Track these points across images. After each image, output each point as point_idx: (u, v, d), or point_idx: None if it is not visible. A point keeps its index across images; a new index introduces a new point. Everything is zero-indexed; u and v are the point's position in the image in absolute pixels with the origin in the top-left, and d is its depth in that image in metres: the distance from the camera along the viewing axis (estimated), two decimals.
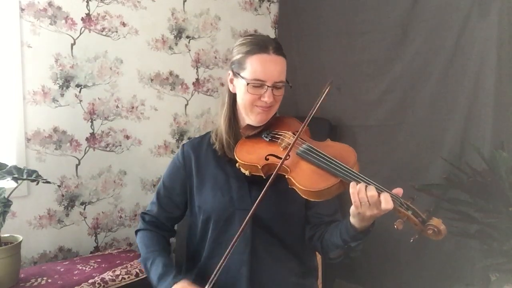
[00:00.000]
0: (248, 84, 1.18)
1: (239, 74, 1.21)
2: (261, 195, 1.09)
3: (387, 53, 2.47)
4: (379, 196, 0.98)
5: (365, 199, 0.99)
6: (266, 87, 1.18)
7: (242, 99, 1.23)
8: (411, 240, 1.01)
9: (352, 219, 1.09)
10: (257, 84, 1.18)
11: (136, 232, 1.39)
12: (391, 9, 2.44)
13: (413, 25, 2.36)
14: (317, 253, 1.40)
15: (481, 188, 1.84)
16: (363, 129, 2.60)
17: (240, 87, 1.22)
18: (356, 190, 1.00)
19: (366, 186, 1.00)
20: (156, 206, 1.36)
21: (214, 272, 1.08)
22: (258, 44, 1.20)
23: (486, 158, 1.95)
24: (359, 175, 1.04)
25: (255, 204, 1.09)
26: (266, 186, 1.10)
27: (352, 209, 1.04)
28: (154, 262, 1.26)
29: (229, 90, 1.28)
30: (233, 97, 1.28)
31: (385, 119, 2.50)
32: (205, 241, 1.28)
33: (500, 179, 1.83)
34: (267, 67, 1.18)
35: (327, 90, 1.19)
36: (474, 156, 1.99)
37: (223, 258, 1.08)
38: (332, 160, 1.09)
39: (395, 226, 0.98)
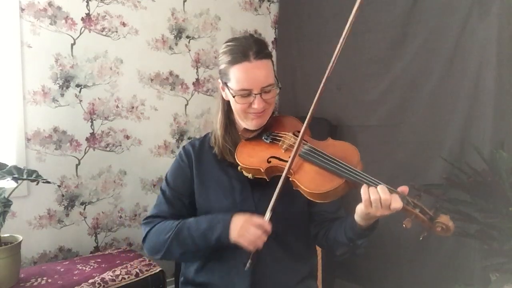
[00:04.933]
0: (234, 96, 1.18)
1: (226, 84, 1.21)
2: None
3: (387, 53, 2.47)
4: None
5: (378, 201, 0.98)
6: (254, 95, 1.16)
7: (234, 108, 1.23)
8: (420, 238, 1.01)
9: (357, 218, 1.08)
10: (244, 94, 1.17)
11: (144, 238, 1.27)
12: (391, 9, 2.44)
13: (413, 25, 2.36)
14: (316, 254, 1.40)
15: (481, 188, 1.84)
16: (363, 129, 2.60)
17: (230, 97, 1.22)
18: (368, 192, 1.00)
19: (377, 188, 1.00)
20: (164, 205, 1.29)
21: (273, 200, 1.10)
22: (238, 53, 1.16)
23: (486, 158, 1.94)
24: (363, 174, 1.04)
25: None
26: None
27: (361, 209, 1.03)
28: (191, 224, 1.19)
29: (222, 97, 1.28)
30: (227, 103, 1.27)
31: (385, 119, 2.50)
32: None
33: (500, 179, 1.82)
34: (250, 75, 1.15)
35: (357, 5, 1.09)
36: (474, 156, 1.98)
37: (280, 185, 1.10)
38: (336, 160, 1.08)
39: (404, 225, 0.98)
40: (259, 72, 1.16)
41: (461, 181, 1.93)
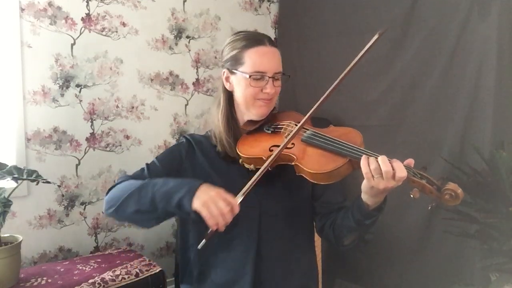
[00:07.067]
0: (250, 77, 1.19)
1: (237, 70, 1.22)
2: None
3: (387, 53, 2.47)
4: (392, 165, 0.98)
5: (378, 169, 0.98)
6: (267, 78, 1.20)
7: (243, 94, 1.23)
8: (429, 208, 1.02)
9: (364, 196, 1.08)
10: (258, 76, 1.20)
11: (109, 190, 1.19)
12: (391, 9, 2.44)
13: (413, 25, 2.36)
14: (316, 253, 1.40)
15: (481, 188, 1.84)
16: (363, 129, 2.54)
17: (239, 83, 1.23)
18: (367, 161, 1.00)
19: (377, 158, 1.00)
20: (145, 171, 1.24)
21: (249, 183, 1.06)
22: (253, 38, 1.24)
23: (486, 158, 1.94)
24: (367, 151, 1.04)
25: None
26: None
27: (365, 183, 1.03)
28: (159, 181, 1.09)
29: (225, 89, 1.28)
30: (229, 96, 1.28)
31: (385, 119, 2.50)
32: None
33: (500, 179, 1.82)
34: (266, 58, 1.21)
35: (376, 38, 1.16)
36: (474, 156, 1.98)
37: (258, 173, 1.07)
38: (339, 140, 1.09)
39: (411, 195, 0.98)
40: (273, 56, 1.23)
41: (461, 181, 1.93)
